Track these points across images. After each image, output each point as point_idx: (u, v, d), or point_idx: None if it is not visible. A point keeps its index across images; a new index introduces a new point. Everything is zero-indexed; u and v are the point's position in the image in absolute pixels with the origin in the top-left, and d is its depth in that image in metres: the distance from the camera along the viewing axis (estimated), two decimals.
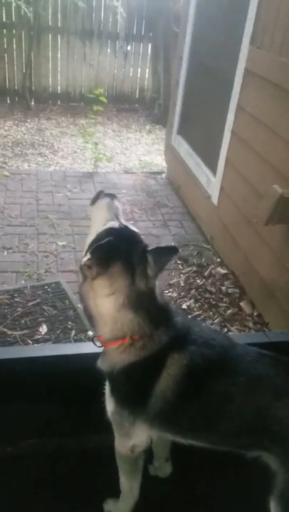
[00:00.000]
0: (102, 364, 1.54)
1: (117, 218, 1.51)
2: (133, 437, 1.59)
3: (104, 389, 1.62)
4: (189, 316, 3.41)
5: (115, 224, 1.48)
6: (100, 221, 1.52)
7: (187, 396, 1.48)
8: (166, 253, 1.46)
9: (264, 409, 1.43)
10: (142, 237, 1.51)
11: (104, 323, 1.46)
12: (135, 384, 1.52)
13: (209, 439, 1.56)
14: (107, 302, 1.42)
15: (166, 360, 1.46)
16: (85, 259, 1.38)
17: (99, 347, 1.53)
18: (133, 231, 1.49)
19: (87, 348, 2.02)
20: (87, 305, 1.48)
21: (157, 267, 1.43)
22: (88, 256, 1.37)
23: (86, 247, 1.49)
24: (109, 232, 1.44)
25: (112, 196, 1.60)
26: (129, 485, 1.74)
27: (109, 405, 1.59)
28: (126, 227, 1.48)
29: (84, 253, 1.47)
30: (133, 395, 1.53)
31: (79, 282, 1.42)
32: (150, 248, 1.43)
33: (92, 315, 1.48)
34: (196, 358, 1.46)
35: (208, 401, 1.48)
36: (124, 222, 1.51)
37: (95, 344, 1.53)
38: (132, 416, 1.54)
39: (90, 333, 3.17)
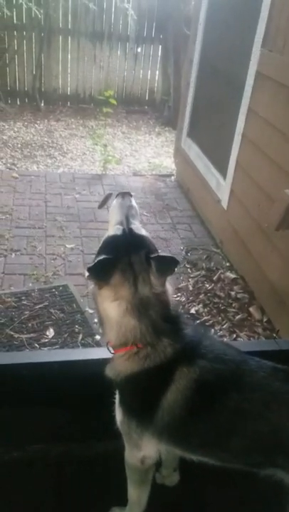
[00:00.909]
0: (109, 371, 1.53)
1: (127, 219, 1.49)
2: (142, 449, 1.57)
3: (112, 395, 1.60)
4: (197, 321, 3.39)
5: (119, 230, 1.46)
6: (111, 223, 1.51)
7: (196, 412, 1.44)
8: (167, 263, 1.41)
9: (278, 427, 1.39)
10: (150, 239, 1.48)
11: (111, 328, 1.45)
12: (141, 395, 1.49)
13: (220, 457, 1.52)
14: (112, 308, 1.41)
15: (175, 373, 1.43)
16: (86, 274, 1.39)
17: (112, 353, 1.51)
18: (137, 236, 1.46)
19: (95, 353, 2.02)
20: (97, 308, 1.49)
21: (160, 274, 1.40)
22: (87, 273, 1.38)
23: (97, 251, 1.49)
24: (112, 241, 1.44)
25: (125, 195, 1.58)
26: (137, 495, 1.72)
27: (118, 415, 1.57)
28: (130, 232, 1.46)
29: (94, 259, 1.46)
30: (139, 406, 1.51)
31: (89, 287, 1.42)
32: (153, 255, 1.40)
33: (101, 318, 1.48)
34: (207, 373, 1.43)
35: (219, 418, 1.44)
36: (130, 226, 1.48)
37: (108, 350, 1.52)
38: (139, 428, 1.52)
39: (98, 337, 3.15)
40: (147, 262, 1.39)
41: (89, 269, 1.35)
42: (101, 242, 1.48)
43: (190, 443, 1.53)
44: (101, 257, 1.36)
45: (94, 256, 1.46)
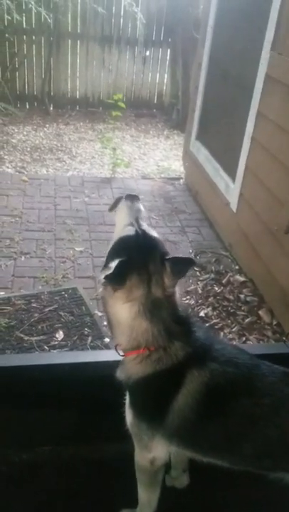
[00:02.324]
0: (120, 373, 1.53)
1: (137, 222, 1.48)
2: (152, 451, 1.57)
3: (121, 397, 1.61)
4: (207, 324, 3.38)
5: (131, 231, 1.44)
6: (119, 225, 1.50)
7: (207, 416, 1.44)
8: (183, 264, 1.42)
9: (288, 433, 1.39)
10: (162, 241, 1.48)
11: (122, 332, 1.44)
12: (152, 398, 1.49)
13: (230, 460, 1.52)
14: (123, 310, 1.40)
15: (185, 376, 1.43)
16: (101, 278, 1.36)
17: (121, 356, 1.51)
18: (150, 237, 1.45)
19: (105, 356, 2.02)
20: (107, 311, 1.48)
21: (175, 275, 1.40)
22: (103, 280, 1.35)
23: (107, 254, 1.47)
24: (124, 242, 1.42)
25: (134, 198, 1.56)
26: (147, 497, 1.72)
27: (128, 416, 1.57)
28: (143, 234, 1.45)
29: (105, 261, 1.45)
30: (150, 408, 1.50)
31: (99, 290, 1.41)
32: (168, 257, 1.40)
33: (111, 322, 1.48)
34: (218, 377, 1.42)
35: (229, 422, 1.44)
36: (142, 227, 1.47)
37: (117, 352, 1.52)
38: (150, 430, 1.52)
39: (107, 339, 3.16)
40: (162, 263, 1.39)
41: (107, 277, 1.32)
42: (112, 243, 1.47)
43: (200, 446, 1.53)
44: (117, 261, 1.32)
45: (104, 257, 1.46)
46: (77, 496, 1.97)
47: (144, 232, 1.45)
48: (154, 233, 1.48)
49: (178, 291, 1.48)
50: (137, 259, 1.38)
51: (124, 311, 1.40)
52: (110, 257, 1.40)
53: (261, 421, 1.41)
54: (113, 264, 1.32)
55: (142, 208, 1.55)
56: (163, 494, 1.73)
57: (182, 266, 1.41)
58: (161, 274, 1.39)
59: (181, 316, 1.47)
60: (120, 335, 1.46)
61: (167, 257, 1.40)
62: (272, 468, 1.47)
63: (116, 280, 1.35)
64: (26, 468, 2.06)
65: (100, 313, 3.41)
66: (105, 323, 3.29)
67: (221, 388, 1.42)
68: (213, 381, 1.42)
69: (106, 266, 1.38)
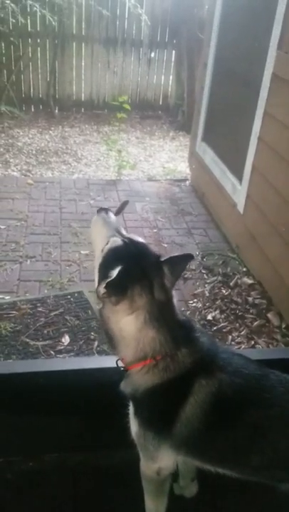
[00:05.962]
0: (125, 387, 1.49)
1: (118, 232, 1.46)
2: (159, 461, 1.53)
3: (127, 405, 1.57)
4: (214, 328, 3.34)
5: (118, 240, 1.41)
6: (100, 239, 1.46)
7: (214, 427, 1.41)
8: (180, 261, 1.41)
9: None
10: (150, 246, 1.46)
11: (127, 345, 1.40)
12: (159, 407, 1.45)
13: (239, 471, 1.49)
14: (129, 322, 1.36)
15: (193, 385, 1.39)
16: (100, 292, 1.32)
17: (123, 369, 1.48)
18: (140, 243, 1.44)
19: (110, 361, 1.98)
20: (109, 328, 1.43)
21: (174, 276, 1.39)
22: (104, 290, 1.31)
23: (96, 271, 1.43)
24: (116, 252, 1.38)
25: (106, 210, 1.55)
26: (154, 507, 1.69)
27: (134, 427, 1.53)
28: (131, 241, 1.42)
29: (96, 280, 1.42)
30: (157, 418, 1.47)
31: (98, 306, 1.38)
32: (164, 259, 1.39)
33: (113, 338, 1.43)
34: (226, 387, 1.39)
35: (237, 434, 1.41)
36: (126, 235, 1.45)
37: (118, 367, 1.49)
38: (156, 440, 1.48)
39: None
40: (158, 266, 1.37)
41: (109, 284, 1.28)
42: (99, 258, 1.42)
43: (209, 456, 1.50)
44: (118, 269, 1.28)
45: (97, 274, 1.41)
46: (83, 503, 1.94)
47: (131, 240, 1.43)
48: (139, 238, 1.46)
49: (174, 294, 1.46)
50: (134, 267, 1.34)
51: (129, 324, 1.36)
52: (104, 271, 1.36)
53: (270, 432, 1.38)
54: (113, 273, 1.28)
55: (115, 218, 1.54)
56: (171, 503, 1.70)
57: (181, 263, 1.41)
58: (161, 277, 1.37)
59: (182, 319, 1.45)
60: (125, 349, 1.41)
61: (163, 259, 1.38)
62: (284, 480, 1.45)
63: (118, 287, 1.31)
64: (32, 476, 2.04)
65: None
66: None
67: (228, 399, 1.39)
68: (221, 391, 1.38)
69: (102, 280, 1.34)
